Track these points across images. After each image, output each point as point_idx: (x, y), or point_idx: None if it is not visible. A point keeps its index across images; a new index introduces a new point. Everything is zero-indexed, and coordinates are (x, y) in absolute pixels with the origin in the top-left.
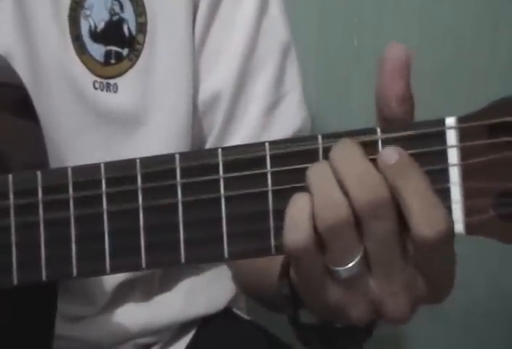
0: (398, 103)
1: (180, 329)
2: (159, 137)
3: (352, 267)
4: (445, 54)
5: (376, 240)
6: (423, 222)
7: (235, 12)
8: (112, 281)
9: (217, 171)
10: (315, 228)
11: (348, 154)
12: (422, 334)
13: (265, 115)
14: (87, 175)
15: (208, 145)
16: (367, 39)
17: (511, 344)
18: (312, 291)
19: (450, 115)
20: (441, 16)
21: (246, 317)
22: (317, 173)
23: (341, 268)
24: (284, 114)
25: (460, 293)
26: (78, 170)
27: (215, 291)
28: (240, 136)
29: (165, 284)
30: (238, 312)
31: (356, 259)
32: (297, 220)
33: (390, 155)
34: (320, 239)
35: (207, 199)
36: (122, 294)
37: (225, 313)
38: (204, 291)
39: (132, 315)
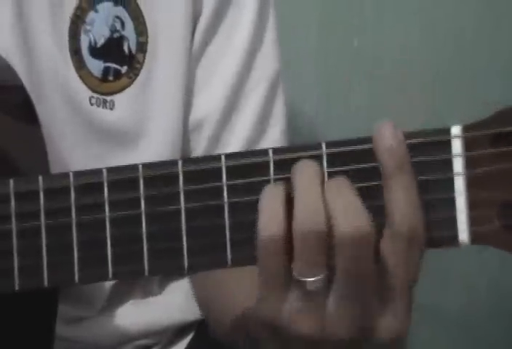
0: None
1: (179, 330)
2: (154, 155)
3: (317, 280)
4: (445, 54)
5: (345, 260)
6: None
7: (232, 36)
8: (110, 282)
9: (220, 178)
10: (290, 227)
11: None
12: (421, 334)
13: (247, 145)
14: (89, 181)
15: None
16: (367, 39)
17: (511, 344)
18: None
19: (450, 116)
20: (441, 16)
21: None
22: (306, 174)
23: (307, 279)
24: (267, 144)
25: (459, 293)
26: (80, 175)
27: None
28: None
29: (164, 286)
30: None
31: (322, 275)
32: (272, 208)
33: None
34: (291, 243)
35: (210, 206)
36: (121, 296)
37: None
38: None
39: (131, 317)
